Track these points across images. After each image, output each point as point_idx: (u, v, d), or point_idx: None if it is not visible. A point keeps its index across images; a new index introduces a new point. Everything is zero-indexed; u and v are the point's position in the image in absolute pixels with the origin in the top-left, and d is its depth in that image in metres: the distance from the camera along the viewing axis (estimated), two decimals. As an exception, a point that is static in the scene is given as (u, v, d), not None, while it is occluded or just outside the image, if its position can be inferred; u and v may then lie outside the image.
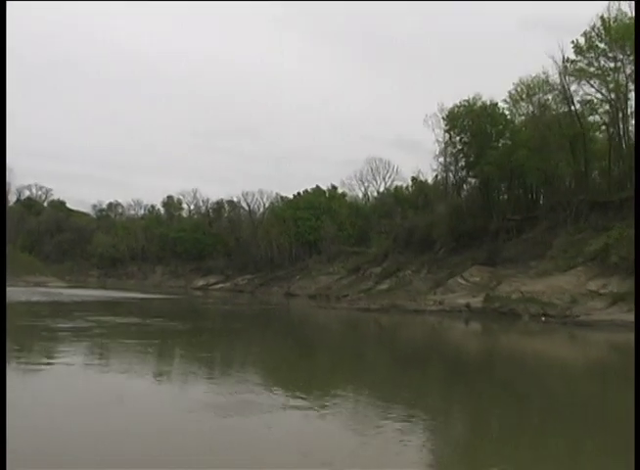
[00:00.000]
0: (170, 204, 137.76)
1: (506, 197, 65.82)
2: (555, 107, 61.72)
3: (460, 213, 67.13)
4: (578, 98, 55.91)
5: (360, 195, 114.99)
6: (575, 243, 47.79)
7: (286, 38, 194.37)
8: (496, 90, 72.37)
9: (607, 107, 53.91)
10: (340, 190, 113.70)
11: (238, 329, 36.39)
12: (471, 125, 66.95)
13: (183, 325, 35.75)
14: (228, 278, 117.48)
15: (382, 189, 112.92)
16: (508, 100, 64.81)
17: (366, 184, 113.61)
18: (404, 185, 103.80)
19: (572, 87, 55.23)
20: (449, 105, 71.37)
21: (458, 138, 69.33)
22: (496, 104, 67.11)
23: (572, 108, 55.85)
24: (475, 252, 63.34)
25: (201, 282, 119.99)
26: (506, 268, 50.91)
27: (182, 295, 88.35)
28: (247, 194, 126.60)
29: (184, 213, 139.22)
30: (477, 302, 43.46)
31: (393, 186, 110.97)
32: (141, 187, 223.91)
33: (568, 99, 55.87)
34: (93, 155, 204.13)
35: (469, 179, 71.06)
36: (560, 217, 51.52)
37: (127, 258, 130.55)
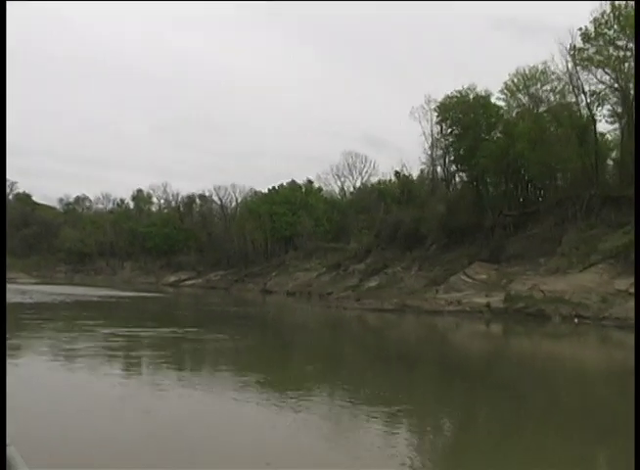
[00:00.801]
0: (140, 198, 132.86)
1: (501, 191, 62.41)
2: (555, 98, 58.77)
3: (452, 208, 63.83)
4: (587, 88, 52.79)
5: (337, 190, 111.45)
6: (588, 239, 44.68)
7: (253, 36, 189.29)
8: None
9: (617, 96, 50.74)
10: (315, 185, 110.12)
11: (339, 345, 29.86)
12: (462, 118, 63.58)
13: (244, 339, 28.64)
14: (200, 274, 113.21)
15: (358, 184, 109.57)
16: (505, 91, 61.54)
17: (342, 179, 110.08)
18: (387, 179, 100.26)
19: (582, 76, 52.01)
20: (437, 97, 68.49)
21: (450, 130, 65.94)
22: (488, 96, 63.99)
23: (582, 97, 52.75)
24: (469, 248, 60.13)
25: (172, 278, 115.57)
26: (512, 265, 47.65)
27: (160, 292, 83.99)
28: (219, 188, 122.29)
29: (154, 208, 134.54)
30: (496, 301, 39.95)
31: (370, 181, 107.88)
32: (109, 182, 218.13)
33: (578, 88, 52.65)
34: (59, 149, 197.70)
35: (459, 173, 67.61)
36: (568, 213, 48.35)
37: (95, 254, 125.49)
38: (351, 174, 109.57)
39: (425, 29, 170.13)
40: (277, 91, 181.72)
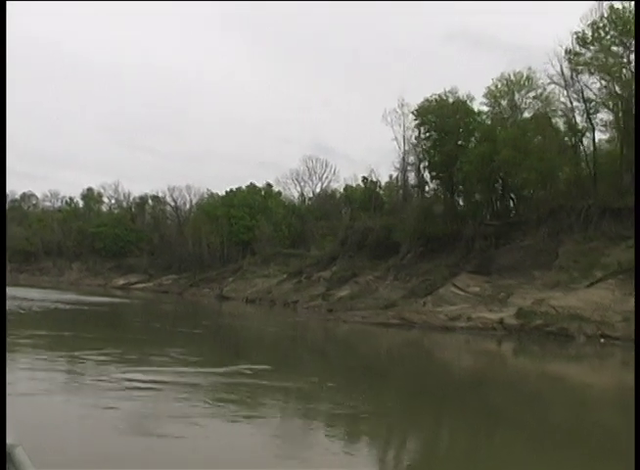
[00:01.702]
0: (90, 197, 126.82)
1: (481, 199, 59.26)
2: (541, 105, 55.99)
3: (427, 216, 60.51)
4: (577, 95, 49.95)
5: (296, 195, 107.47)
6: (587, 252, 41.61)
7: (207, 39, 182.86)
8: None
9: (615, 103, 47.89)
10: (275, 189, 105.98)
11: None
12: (441, 122, 60.38)
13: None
14: (151, 278, 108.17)
15: (318, 190, 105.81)
16: (488, 96, 58.53)
17: (302, 184, 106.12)
18: (354, 185, 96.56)
19: (576, 82, 49.10)
20: (410, 100, 65.40)
21: (427, 135, 62.69)
22: (467, 101, 60.99)
23: (577, 104, 49.83)
24: (447, 258, 56.87)
25: (121, 281, 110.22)
26: (503, 278, 44.34)
27: (109, 296, 79.21)
28: (172, 189, 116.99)
29: (104, 208, 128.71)
30: (509, 317, 36.32)
31: (330, 187, 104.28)
32: (58, 182, 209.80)
33: (576, 93, 49.69)
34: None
35: (434, 180, 64.30)
36: (563, 224, 45.28)
37: (42, 253, 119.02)
38: (311, 180, 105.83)
39: (378, 38, 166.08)
40: (231, 94, 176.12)
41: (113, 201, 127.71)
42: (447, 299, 43.73)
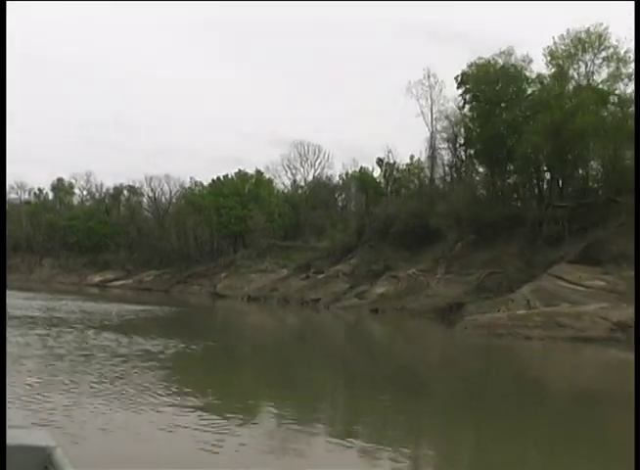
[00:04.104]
0: (60, 188, 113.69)
1: (546, 179, 48.92)
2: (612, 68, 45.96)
3: (479, 199, 50.18)
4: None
5: (287, 182, 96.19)
6: None
7: (175, 36, 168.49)
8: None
9: None
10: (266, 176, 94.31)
11: None
12: (491, 90, 49.97)
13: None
14: (129, 274, 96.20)
15: (311, 177, 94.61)
16: (549, 58, 48.11)
17: (294, 171, 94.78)
18: (351, 171, 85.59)
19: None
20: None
21: (472, 105, 52.19)
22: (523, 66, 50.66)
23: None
24: (507, 246, 46.69)
25: (97, 278, 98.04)
26: (623, 268, 33.95)
27: (83, 294, 68.02)
28: (150, 179, 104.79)
29: (75, 200, 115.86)
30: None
31: (325, 173, 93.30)
32: (23, 176, 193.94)
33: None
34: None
35: (478, 158, 53.81)
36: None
37: (9, 249, 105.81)
38: (302, 166, 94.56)
39: (335, 33, 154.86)
40: (198, 90, 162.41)
41: (85, 192, 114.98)
42: (560, 294, 33.10)
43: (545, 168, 47.85)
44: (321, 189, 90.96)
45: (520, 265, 41.92)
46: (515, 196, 51.21)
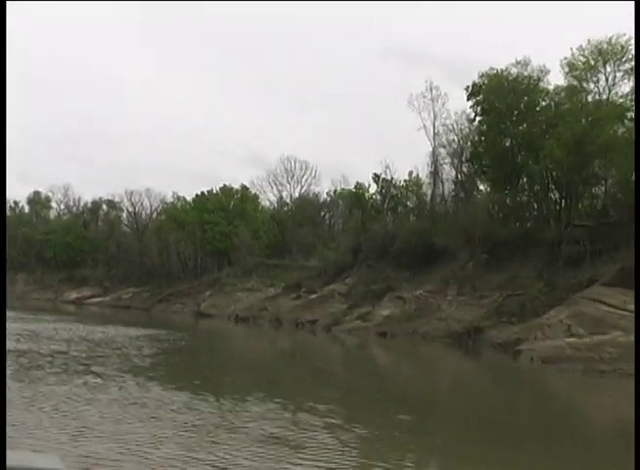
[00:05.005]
0: (37, 201, 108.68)
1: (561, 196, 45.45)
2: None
3: (493, 217, 46.67)
4: None
5: (273, 199, 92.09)
6: None
7: (145, 48, 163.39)
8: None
9: None
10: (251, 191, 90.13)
11: None
12: (504, 101, 46.63)
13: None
14: (107, 291, 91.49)
15: (297, 194, 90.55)
16: (567, 70, 44.79)
17: (280, 187, 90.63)
18: (339, 188, 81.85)
19: None
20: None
21: (482, 117, 48.77)
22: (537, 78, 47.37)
23: None
24: (522, 267, 43.12)
25: (74, 294, 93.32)
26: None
27: (60, 313, 63.65)
28: (131, 193, 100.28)
29: (53, 214, 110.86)
30: None
31: (311, 190, 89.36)
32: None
33: None
34: None
35: (488, 173, 50.33)
36: None
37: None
38: (289, 183, 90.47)
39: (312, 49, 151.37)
40: (180, 108, 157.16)
41: (62, 206, 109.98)
42: (608, 322, 29.36)
43: (564, 185, 44.25)
44: (308, 206, 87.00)
45: (541, 288, 38.31)
46: (527, 214, 47.64)
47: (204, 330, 56.01)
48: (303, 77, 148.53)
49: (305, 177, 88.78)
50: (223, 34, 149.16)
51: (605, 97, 43.75)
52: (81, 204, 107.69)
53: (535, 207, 47.89)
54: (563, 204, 45.17)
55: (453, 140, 52.97)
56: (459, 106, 55.84)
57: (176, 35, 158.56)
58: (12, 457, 3.66)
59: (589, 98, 44.31)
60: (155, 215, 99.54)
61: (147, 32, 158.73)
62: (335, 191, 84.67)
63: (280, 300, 64.29)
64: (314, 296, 60.01)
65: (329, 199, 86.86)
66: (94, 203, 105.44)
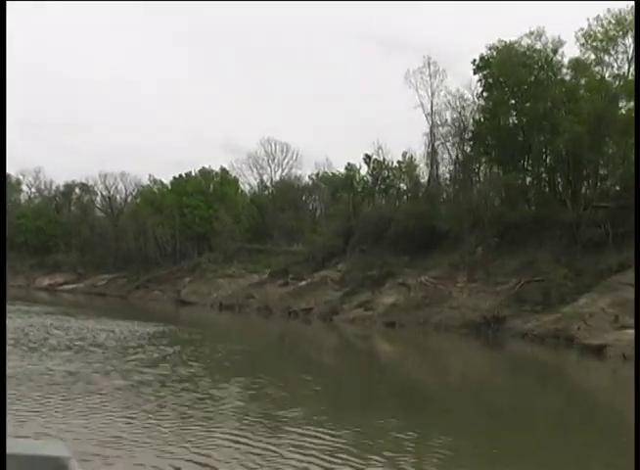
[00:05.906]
0: (7, 184, 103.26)
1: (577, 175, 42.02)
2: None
3: (504, 199, 43.20)
4: None
5: (253, 182, 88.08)
6: None
7: (123, 35, 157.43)
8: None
9: None
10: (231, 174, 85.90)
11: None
12: (515, 75, 43.05)
13: None
14: (81, 277, 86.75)
15: (277, 177, 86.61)
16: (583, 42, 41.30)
17: (260, 171, 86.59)
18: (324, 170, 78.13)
19: None
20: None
21: (490, 93, 45.16)
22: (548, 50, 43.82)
23: None
24: (537, 251, 39.72)
25: (46, 281, 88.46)
26: None
27: (33, 302, 59.08)
28: (105, 176, 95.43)
29: (23, 198, 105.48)
30: None
31: (293, 173, 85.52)
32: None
33: None
34: None
35: (486, 156, 46.81)
36: None
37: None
38: (269, 166, 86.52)
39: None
40: (154, 92, 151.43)
41: (33, 190, 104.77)
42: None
43: (584, 164, 40.77)
44: (289, 189, 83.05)
45: (566, 273, 34.88)
46: (539, 196, 44.18)
47: (204, 324, 50.60)
48: (289, 66, 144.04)
49: (287, 160, 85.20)
50: (197, 15, 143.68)
51: (624, 71, 40.37)
52: (53, 187, 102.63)
53: (547, 188, 44.47)
54: (579, 185, 41.76)
55: (455, 118, 49.37)
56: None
57: (149, 16, 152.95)
58: (17, 444, 3.51)
59: (607, 72, 40.84)
60: (130, 199, 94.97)
61: (121, 17, 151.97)
62: (317, 174, 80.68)
63: (267, 287, 60.52)
64: (304, 283, 56.30)
65: (311, 182, 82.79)
66: (66, 186, 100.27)
